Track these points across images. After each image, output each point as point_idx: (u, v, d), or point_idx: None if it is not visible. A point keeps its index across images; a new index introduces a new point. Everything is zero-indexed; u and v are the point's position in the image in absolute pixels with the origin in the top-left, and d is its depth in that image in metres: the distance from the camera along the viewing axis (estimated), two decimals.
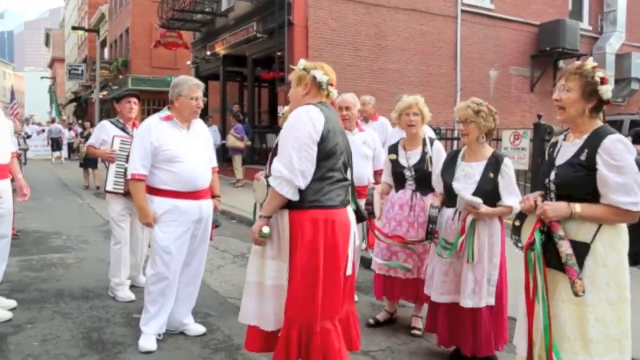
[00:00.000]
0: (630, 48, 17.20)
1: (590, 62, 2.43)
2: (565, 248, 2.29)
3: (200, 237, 3.74)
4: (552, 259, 2.38)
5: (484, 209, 3.13)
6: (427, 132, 4.91)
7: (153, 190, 3.58)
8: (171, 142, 3.53)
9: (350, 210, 2.74)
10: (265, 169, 2.81)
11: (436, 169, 3.68)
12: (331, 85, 2.71)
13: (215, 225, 3.87)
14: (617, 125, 11.12)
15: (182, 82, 3.64)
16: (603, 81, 2.37)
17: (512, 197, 3.20)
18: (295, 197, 2.53)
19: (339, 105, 4.12)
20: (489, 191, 3.20)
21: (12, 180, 4.24)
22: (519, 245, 2.60)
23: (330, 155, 2.58)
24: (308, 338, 2.55)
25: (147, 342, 3.52)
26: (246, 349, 2.85)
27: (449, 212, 3.36)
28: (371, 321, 3.95)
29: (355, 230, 2.74)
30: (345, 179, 2.70)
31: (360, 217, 2.97)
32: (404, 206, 3.86)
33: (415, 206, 3.83)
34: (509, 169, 3.27)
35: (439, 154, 3.81)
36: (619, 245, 2.38)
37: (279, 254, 2.63)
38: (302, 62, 2.77)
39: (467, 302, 3.21)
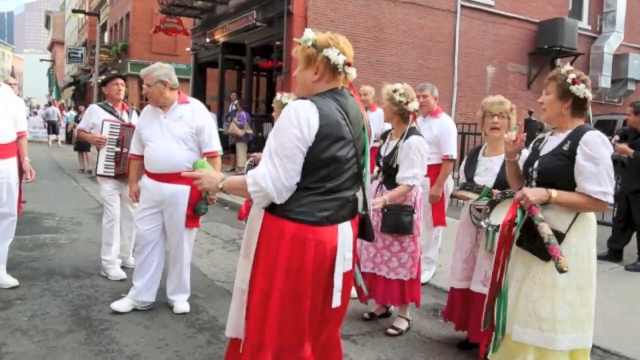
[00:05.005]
0: (628, 49, 17.20)
1: (565, 67, 2.68)
2: (546, 229, 2.46)
3: (169, 220, 3.84)
4: (528, 242, 2.60)
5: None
6: (443, 125, 4.79)
7: None
8: (147, 125, 3.87)
9: (344, 229, 2.21)
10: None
11: (403, 163, 3.60)
12: (348, 65, 2.21)
13: (199, 213, 3.83)
14: (611, 125, 11.23)
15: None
16: (575, 81, 2.59)
17: None
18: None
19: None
20: (505, 181, 3.27)
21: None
22: (486, 225, 2.85)
23: (324, 164, 2.11)
24: None
25: (120, 303, 3.85)
26: None
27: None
28: (366, 315, 3.92)
29: (346, 253, 2.22)
30: (344, 190, 2.19)
31: (367, 235, 2.40)
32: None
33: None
34: None
35: (408, 147, 3.61)
36: (589, 235, 2.60)
37: (247, 252, 2.28)
38: (309, 34, 2.22)
39: (475, 287, 3.31)
